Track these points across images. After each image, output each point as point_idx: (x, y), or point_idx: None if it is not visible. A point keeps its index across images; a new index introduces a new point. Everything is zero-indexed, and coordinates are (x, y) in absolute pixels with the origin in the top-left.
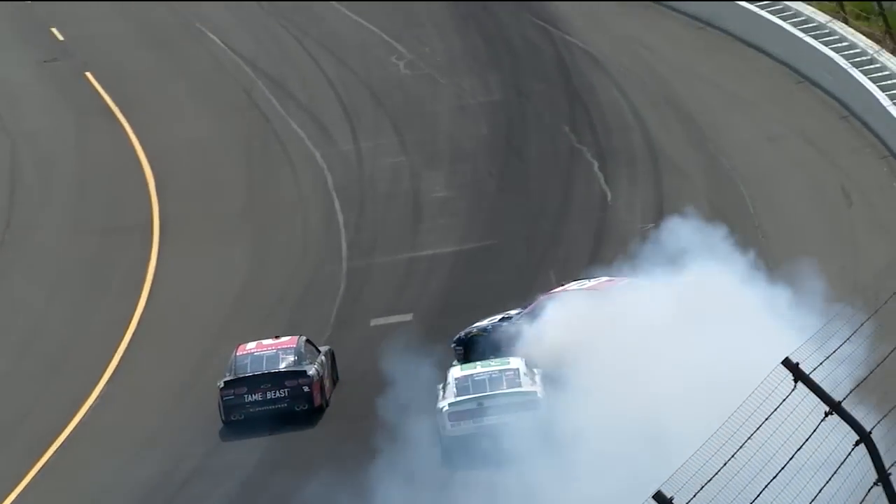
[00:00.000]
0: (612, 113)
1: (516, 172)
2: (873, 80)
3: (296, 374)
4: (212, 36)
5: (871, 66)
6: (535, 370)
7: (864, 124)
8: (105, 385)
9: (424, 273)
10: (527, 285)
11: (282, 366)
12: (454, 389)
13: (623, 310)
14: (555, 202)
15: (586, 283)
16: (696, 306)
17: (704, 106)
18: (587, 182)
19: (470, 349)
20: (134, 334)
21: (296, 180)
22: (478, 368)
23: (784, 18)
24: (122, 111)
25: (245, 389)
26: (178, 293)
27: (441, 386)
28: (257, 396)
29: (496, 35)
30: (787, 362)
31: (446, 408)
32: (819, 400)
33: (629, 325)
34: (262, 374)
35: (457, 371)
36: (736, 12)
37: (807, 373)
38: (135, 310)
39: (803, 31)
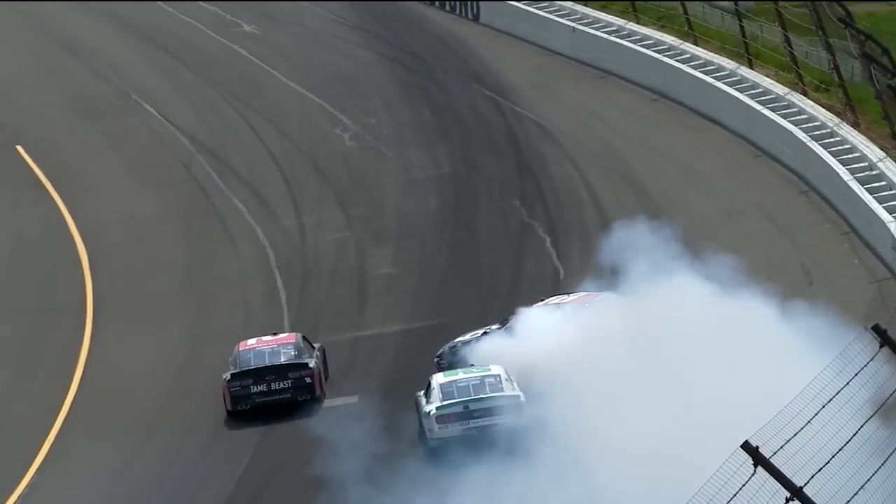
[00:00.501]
0: (565, 187)
1: (466, 248)
2: (833, 154)
3: (298, 367)
4: (149, 108)
5: (831, 140)
6: (513, 377)
7: (824, 199)
8: (35, 473)
9: (370, 353)
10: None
11: (283, 359)
12: (440, 394)
13: (597, 323)
14: (505, 279)
15: (567, 298)
16: (664, 320)
17: (659, 179)
18: (539, 258)
19: (453, 362)
20: (66, 419)
21: (236, 257)
22: (460, 375)
23: (741, 90)
24: (54, 185)
25: (251, 381)
26: (112, 375)
27: (422, 393)
28: (262, 387)
29: (444, 106)
30: (746, 446)
31: (433, 411)
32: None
33: (602, 338)
34: (267, 366)
35: (440, 377)
36: (691, 83)
37: (767, 457)
38: (67, 393)
39: (761, 103)
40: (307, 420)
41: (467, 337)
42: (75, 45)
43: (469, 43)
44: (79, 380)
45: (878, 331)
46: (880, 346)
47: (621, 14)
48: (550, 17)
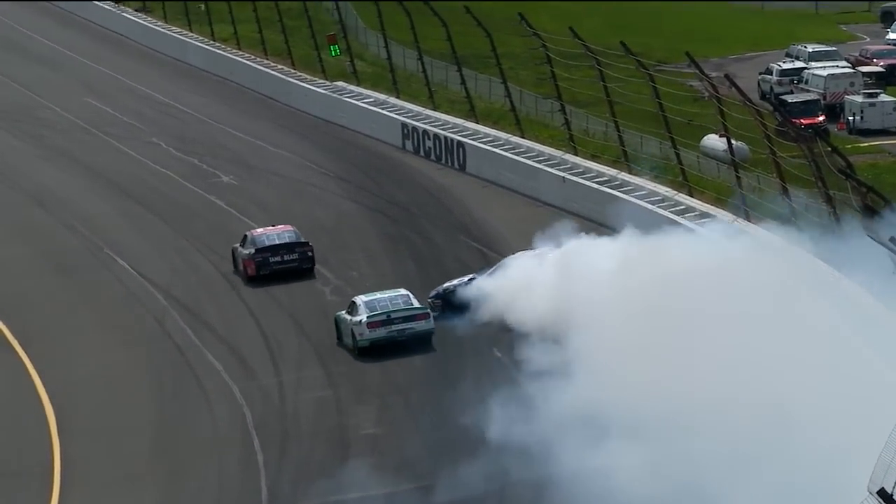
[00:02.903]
0: None
1: (453, 405)
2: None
3: (302, 244)
4: (121, 261)
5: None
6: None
7: None
8: None
9: None
10: None
11: (289, 239)
12: (366, 309)
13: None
14: (495, 435)
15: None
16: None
17: None
18: None
19: (446, 301)
20: None
21: (211, 417)
22: (377, 295)
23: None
24: (21, 343)
25: (269, 254)
26: None
27: (345, 311)
28: (278, 258)
29: (429, 258)
30: (882, 493)
31: (364, 319)
32: None
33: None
34: (280, 243)
35: (362, 297)
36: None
37: None
38: None
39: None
40: None
41: (455, 282)
42: (45, 197)
43: (455, 193)
44: None
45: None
46: None
47: (613, 164)
48: (540, 166)
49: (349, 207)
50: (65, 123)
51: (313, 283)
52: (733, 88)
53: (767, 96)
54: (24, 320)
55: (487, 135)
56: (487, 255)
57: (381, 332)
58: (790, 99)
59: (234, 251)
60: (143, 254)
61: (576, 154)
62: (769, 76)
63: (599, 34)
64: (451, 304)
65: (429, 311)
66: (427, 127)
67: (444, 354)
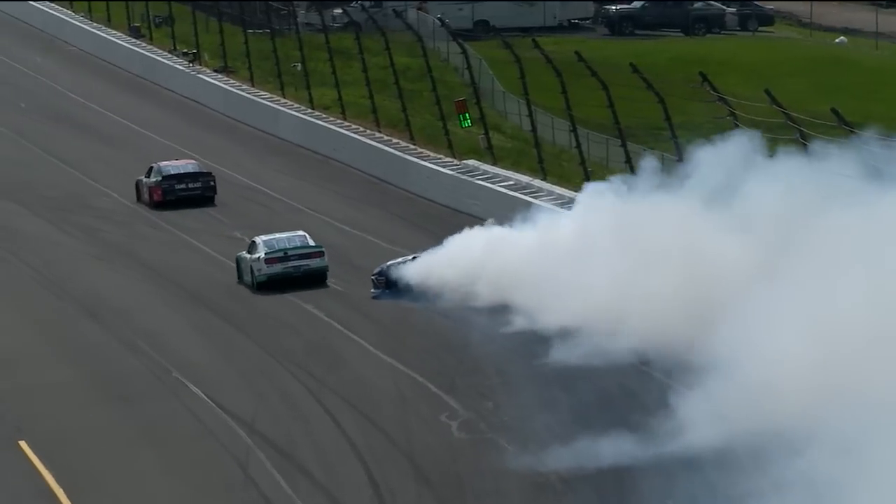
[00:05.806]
0: None
1: None
2: None
3: (206, 174)
4: (194, 389)
5: None
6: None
7: None
8: None
9: None
10: None
11: (194, 169)
12: (265, 247)
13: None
14: None
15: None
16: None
17: None
18: None
19: (387, 277)
20: None
21: None
22: (276, 235)
23: None
24: (66, 492)
25: (175, 182)
26: None
27: (243, 252)
28: (183, 186)
29: (584, 383)
30: None
31: (263, 256)
32: None
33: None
34: (186, 173)
35: (262, 237)
36: None
37: None
38: None
39: None
40: None
41: (399, 260)
42: (98, 307)
43: None
44: None
45: None
46: None
47: None
48: None
49: (482, 318)
50: (125, 214)
51: (437, 418)
52: None
53: None
54: (71, 464)
55: None
56: (654, 378)
57: (277, 268)
58: None
59: (137, 183)
60: (222, 378)
61: None
62: None
63: (804, 99)
64: (389, 282)
65: (323, 249)
66: None
67: None
